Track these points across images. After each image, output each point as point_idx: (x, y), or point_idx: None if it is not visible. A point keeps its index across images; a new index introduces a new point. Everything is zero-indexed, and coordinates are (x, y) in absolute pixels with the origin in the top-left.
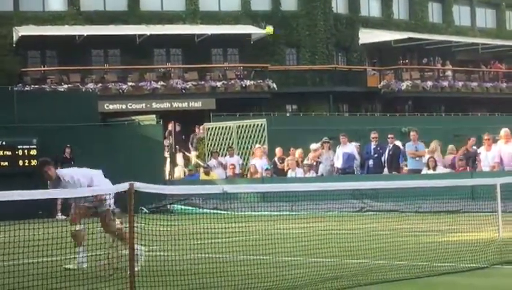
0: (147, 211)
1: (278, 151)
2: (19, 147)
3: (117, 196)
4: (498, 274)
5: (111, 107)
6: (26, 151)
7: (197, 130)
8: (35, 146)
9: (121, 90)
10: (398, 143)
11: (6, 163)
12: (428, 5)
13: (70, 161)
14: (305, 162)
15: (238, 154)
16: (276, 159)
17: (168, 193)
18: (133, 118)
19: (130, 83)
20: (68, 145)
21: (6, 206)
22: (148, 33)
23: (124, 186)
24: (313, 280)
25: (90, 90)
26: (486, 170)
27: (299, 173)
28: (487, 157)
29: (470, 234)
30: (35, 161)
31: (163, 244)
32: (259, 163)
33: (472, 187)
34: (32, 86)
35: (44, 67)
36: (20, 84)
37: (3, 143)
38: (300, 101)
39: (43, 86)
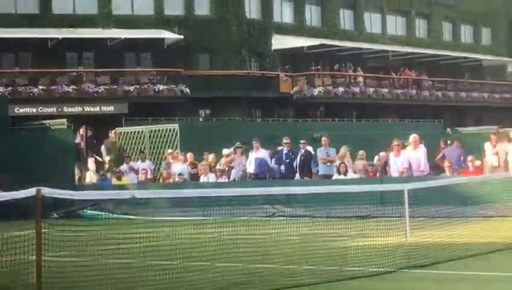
0: (57, 216)
1: (189, 156)
2: None
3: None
4: (405, 278)
5: (21, 111)
6: None
7: (109, 134)
8: None
9: (31, 94)
10: (310, 148)
11: None
12: (340, 12)
13: None
14: (218, 167)
15: (150, 159)
16: (187, 164)
17: (76, 198)
18: (44, 122)
19: (41, 87)
20: None
21: None
22: (60, 36)
23: (31, 191)
24: (223, 285)
25: (0, 93)
26: (395, 175)
27: (212, 178)
28: (396, 162)
29: (378, 238)
30: None
31: (72, 250)
32: (175, 168)
33: (381, 193)
34: None
35: None
36: None
37: None
38: (213, 106)
39: None
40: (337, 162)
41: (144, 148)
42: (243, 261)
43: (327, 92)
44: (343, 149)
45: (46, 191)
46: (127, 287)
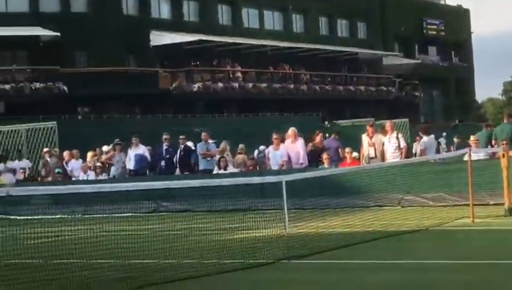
0: None
1: (66, 154)
2: None
3: None
4: (284, 268)
5: None
6: None
7: None
8: None
9: None
10: (190, 144)
11: None
12: (218, 7)
13: None
14: (97, 164)
15: (28, 158)
16: (64, 163)
17: None
18: None
19: None
20: None
21: None
22: None
23: None
24: (102, 280)
25: None
26: (275, 168)
27: (91, 175)
28: (275, 156)
29: (258, 231)
30: None
31: None
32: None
33: (261, 185)
34: None
35: None
36: None
37: None
38: (92, 104)
39: None
40: (217, 157)
41: (22, 147)
42: (121, 257)
43: (206, 87)
44: (223, 144)
45: None
46: None
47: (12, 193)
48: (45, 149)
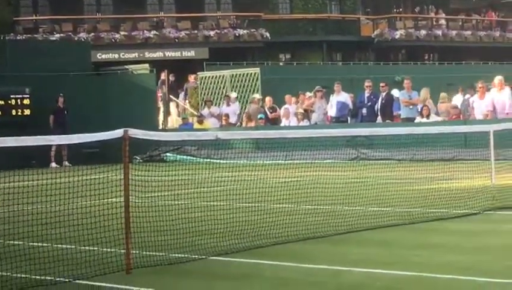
0: (141, 161)
1: (268, 100)
2: (11, 96)
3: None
4: (490, 220)
5: (104, 56)
6: (19, 100)
7: (189, 79)
8: (28, 95)
9: (113, 40)
10: (394, 91)
11: None
12: None
13: (63, 110)
14: (299, 110)
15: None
16: (266, 108)
17: (163, 139)
18: (126, 67)
19: (122, 33)
20: (61, 95)
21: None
22: None
23: (118, 132)
24: (306, 225)
25: (83, 39)
26: (479, 118)
27: (293, 121)
28: (480, 105)
29: (463, 181)
30: (28, 110)
31: (158, 192)
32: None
33: (465, 135)
34: (25, 35)
35: (36, 16)
36: (12, 34)
37: None
38: (293, 50)
39: (35, 35)
40: (420, 105)
41: (226, 93)
42: (327, 203)
43: (409, 35)
44: (425, 91)
45: (134, 132)
46: (209, 228)
47: (221, 136)
48: (254, 95)
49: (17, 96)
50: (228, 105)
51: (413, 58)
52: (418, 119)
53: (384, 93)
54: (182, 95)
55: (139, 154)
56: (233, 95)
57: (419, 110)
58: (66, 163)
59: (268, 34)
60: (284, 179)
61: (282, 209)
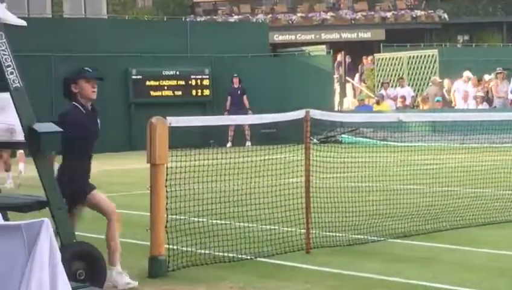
0: (317, 142)
1: (447, 83)
2: (192, 76)
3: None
4: None
5: (280, 38)
6: (199, 81)
7: (364, 61)
8: (207, 76)
9: (290, 21)
10: None
11: (180, 92)
12: None
13: (237, 91)
14: (478, 94)
15: (409, 85)
16: (444, 91)
17: (343, 120)
18: (303, 48)
19: (299, 14)
20: (235, 75)
21: (180, 134)
22: None
23: (300, 113)
24: (487, 211)
25: (261, 21)
26: None
27: (472, 104)
28: None
29: None
30: (207, 90)
31: (337, 173)
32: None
33: None
34: (204, 16)
35: None
36: (192, 15)
37: (178, 73)
38: (472, 32)
39: (214, 16)
40: None
41: (402, 75)
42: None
43: None
44: None
45: (315, 113)
46: (388, 211)
47: (403, 118)
48: (433, 77)
49: (197, 76)
50: (402, 87)
51: None
52: None
53: None
54: (357, 76)
55: (314, 136)
56: (438, 79)
57: None
58: (248, 143)
59: (446, 15)
60: (463, 163)
61: (462, 194)
